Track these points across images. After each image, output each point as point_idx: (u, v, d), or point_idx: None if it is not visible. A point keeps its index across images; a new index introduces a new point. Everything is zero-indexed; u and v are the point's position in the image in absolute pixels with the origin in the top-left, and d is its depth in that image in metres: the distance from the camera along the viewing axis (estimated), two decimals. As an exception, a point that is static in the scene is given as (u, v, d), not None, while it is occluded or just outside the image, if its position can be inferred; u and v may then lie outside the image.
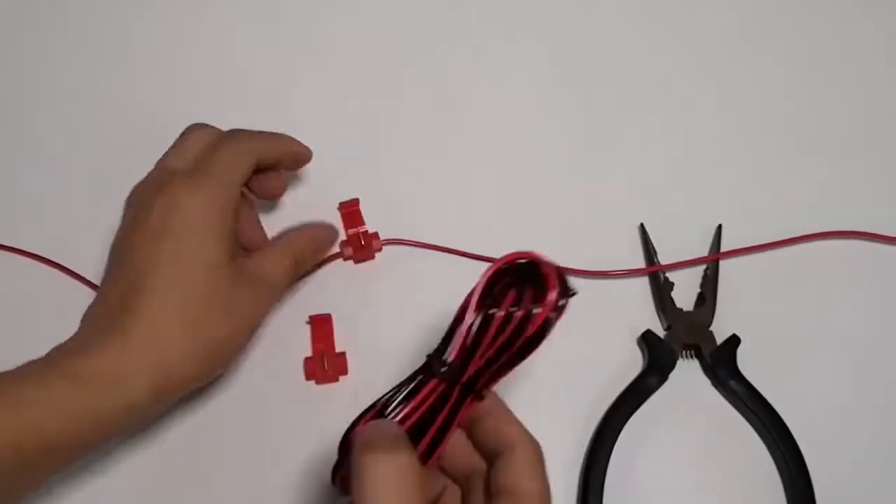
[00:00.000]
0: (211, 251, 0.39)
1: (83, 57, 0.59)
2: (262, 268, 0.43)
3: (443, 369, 0.32)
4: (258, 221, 0.49)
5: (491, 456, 0.35)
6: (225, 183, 0.41)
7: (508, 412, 0.35)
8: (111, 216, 0.54)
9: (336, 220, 0.52)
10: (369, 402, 0.34)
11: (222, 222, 0.40)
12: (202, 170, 0.42)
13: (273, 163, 0.46)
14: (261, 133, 0.46)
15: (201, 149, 0.43)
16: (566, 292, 0.31)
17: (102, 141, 0.56)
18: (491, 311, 0.31)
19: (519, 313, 0.31)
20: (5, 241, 0.53)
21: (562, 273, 0.31)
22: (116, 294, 0.39)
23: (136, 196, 0.43)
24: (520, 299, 0.31)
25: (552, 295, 0.30)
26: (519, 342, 0.31)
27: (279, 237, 0.47)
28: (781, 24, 0.60)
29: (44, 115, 0.57)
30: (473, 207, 0.54)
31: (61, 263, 0.52)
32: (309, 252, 0.47)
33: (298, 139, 0.48)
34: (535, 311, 0.31)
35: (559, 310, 0.30)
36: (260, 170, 0.45)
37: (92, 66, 0.59)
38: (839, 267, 0.52)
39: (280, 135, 0.47)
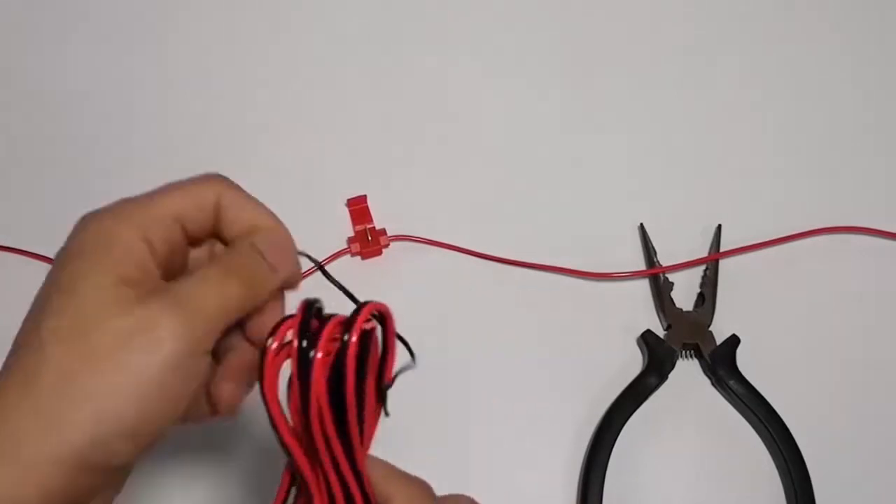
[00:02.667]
0: (101, 271, 0.29)
1: (83, 57, 0.59)
2: (188, 291, 0.29)
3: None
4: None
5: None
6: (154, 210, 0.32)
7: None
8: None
9: (344, 216, 0.53)
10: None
11: (132, 241, 0.31)
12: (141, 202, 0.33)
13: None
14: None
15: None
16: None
17: (103, 141, 0.56)
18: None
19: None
20: (7, 242, 0.53)
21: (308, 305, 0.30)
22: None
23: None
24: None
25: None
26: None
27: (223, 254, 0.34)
28: (781, 25, 0.60)
29: (45, 115, 0.57)
30: (479, 205, 0.54)
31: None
32: (263, 272, 0.32)
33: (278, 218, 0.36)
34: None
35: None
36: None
37: (91, 67, 0.59)
38: (838, 263, 0.52)
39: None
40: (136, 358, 0.27)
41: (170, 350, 0.27)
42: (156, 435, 0.28)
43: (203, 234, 0.33)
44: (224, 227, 0.33)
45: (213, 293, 0.30)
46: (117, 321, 0.27)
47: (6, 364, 0.29)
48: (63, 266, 0.30)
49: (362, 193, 0.53)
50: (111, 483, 0.29)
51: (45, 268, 0.51)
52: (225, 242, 0.33)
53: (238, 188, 0.34)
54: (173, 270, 0.32)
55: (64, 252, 0.31)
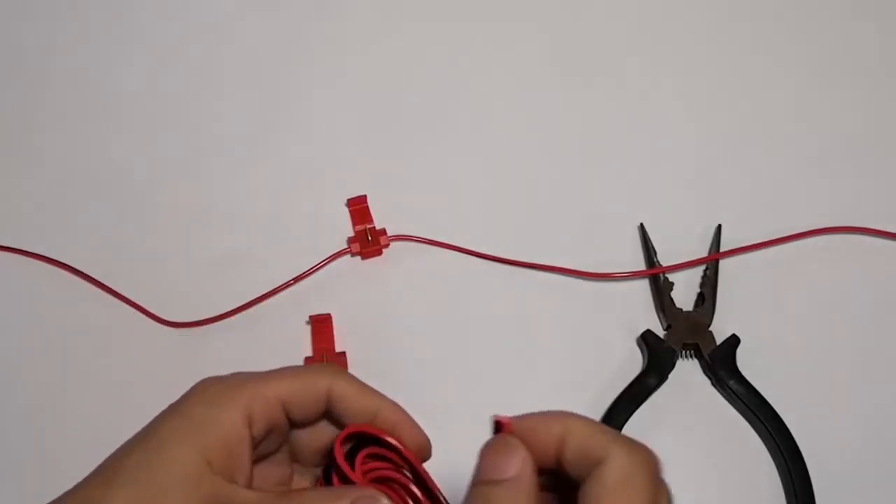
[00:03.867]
0: (192, 444, 0.30)
1: (84, 55, 0.59)
2: None
3: None
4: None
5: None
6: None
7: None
8: (115, 215, 0.54)
9: (344, 216, 0.53)
10: None
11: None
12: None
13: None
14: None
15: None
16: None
17: (104, 141, 0.56)
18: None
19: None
20: (8, 242, 0.53)
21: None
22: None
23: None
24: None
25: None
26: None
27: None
28: (780, 26, 0.60)
29: (46, 115, 0.57)
30: (479, 205, 0.54)
31: (67, 263, 0.52)
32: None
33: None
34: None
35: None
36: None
37: (93, 65, 0.59)
38: (838, 263, 0.52)
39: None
40: None
41: None
42: None
43: (309, 419, 0.33)
44: (341, 415, 0.33)
45: None
46: None
47: (90, 476, 0.30)
48: (164, 417, 0.31)
49: (362, 193, 0.53)
50: None
51: (45, 268, 0.52)
52: (340, 426, 0.33)
53: (352, 378, 0.33)
54: (268, 450, 0.33)
55: (171, 406, 0.32)
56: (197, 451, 0.30)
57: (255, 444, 0.31)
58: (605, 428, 0.29)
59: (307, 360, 0.49)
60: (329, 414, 0.33)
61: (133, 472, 0.29)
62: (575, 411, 0.30)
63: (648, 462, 0.28)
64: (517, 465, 0.28)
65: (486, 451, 0.29)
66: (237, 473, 0.31)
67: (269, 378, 0.32)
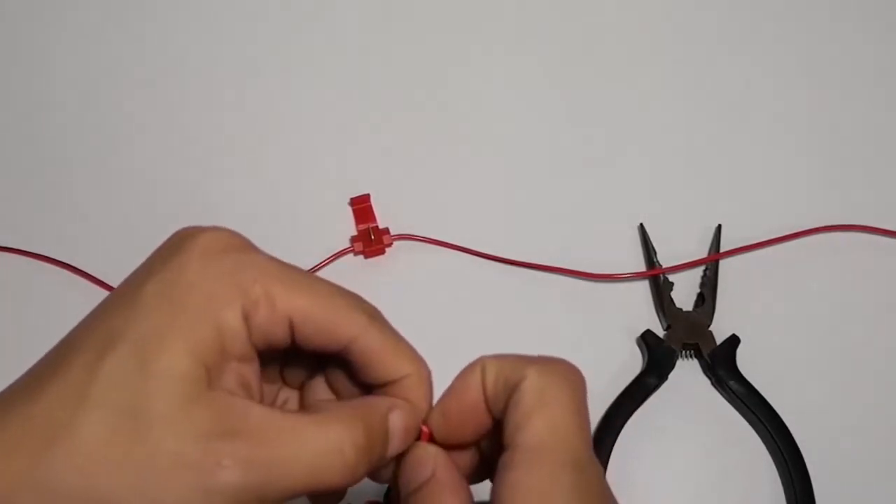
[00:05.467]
0: (181, 348, 0.24)
1: (84, 54, 0.59)
2: (276, 436, 0.24)
3: None
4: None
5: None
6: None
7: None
8: (117, 215, 0.54)
9: (347, 215, 0.53)
10: None
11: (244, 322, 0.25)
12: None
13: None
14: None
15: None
16: None
17: (105, 141, 0.56)
18: None
19: None
20: (8, 243, 0.53)
21: None
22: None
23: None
24: None
25: None
26: None
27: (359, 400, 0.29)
28: (779, 24, 0.60)
29: (46, 115, 0.57)
30: (481, 205, 0.54)
31: (68, 262, 0.52)
32: (402, 431, 0.27)
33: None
34: None
35: None
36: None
37: (93, 64, 0.59)
38: (838, 262, 0.52)
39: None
40: (167, 500, 0.22)
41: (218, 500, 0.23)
42: None
43: (315, 350, 0.27)
44: (357, 367, 0.28)
45: (308, 453, 0.24)
46: (171, 442, 0.22)
47: (49, 366, 0.24)
48: (151, 301, 0.24)
49: (366, 192, 0.53)
50: None
51: (44, 268, 0.52)
52: (362, 384, 0.28)
53: (385, 330, 0.28)
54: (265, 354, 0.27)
55: (161, 274, 0.25)
56: (191, 358, 0.24)
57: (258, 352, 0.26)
58: (520, 355, 0.27)
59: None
60: (342, 354, 0.27)
61: (109, 390, 0.23)
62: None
63: (565, 375, 0.27)
64: (429, 465, 0.27)
65: (402, 467, 0.28)
66: (244, 382, 0.25)
67: (290, 283, 0.26)
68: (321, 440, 0.24)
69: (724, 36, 0.60)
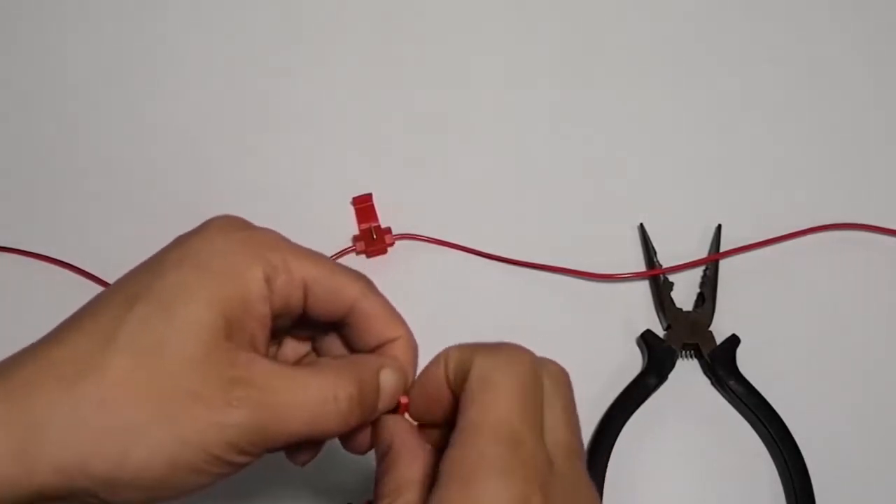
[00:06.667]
0: (206, 299, 0.27)
1: (84, 55, 0.59)
2: (280, 384, 0.27)
3: None
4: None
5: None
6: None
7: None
8: (118, 214, 0.54)
9: (349, 214, 0.53)
10: None
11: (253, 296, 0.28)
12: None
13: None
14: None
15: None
16: None
17: (106, 141, 0.56)
18: None
19: None
20: (8, 243, 0.53)
21: None
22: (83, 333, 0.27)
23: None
24: None
25: None
26: None
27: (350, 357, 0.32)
28: (777, 24, 0.60)
29: (46, 114, 0.57)
30: (482, 205, 0.54)
31: (68, 262, 0.52)
32: (391, 386, 0.30)
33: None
34: None
35: None
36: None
37: (93, 64, 0.59)
38: (839, 261, 0.52)
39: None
40: (184, 430, 0.25)
41: (223, 440, 0.26)
42: (173, 495, 0.27)
43: (322, 317, 0.31)
44: (354, 329, 0.31)
45: (307, 401, 0.27)
46: (190, 381, 0.25)
47: (74, 321, 0.27)
48: (175, 264, 0.27)
49: (368, 192, 0.53)
50: None
51: (45, 268, 0.52)
52: (349, 346, 0.32)
53: (380, 299, 0.32)
54: (276, 332, 0.30)
55: (182, 245, 0.28)
56: (214, 310, 0.26)
57: (274, 314, 0.29)
58: (476, 344, 0.28)
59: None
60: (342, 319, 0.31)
61: (135, 334, 0.25)
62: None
63: (508, 360, 0.27)
64: (389, 433, 0.29)
65: (374, 438, 0.30)
66: (256, 341, 0.28)
67: (301, 254, 0.30)
68: (319, 389, 0.28)
69: (724, 36, 0.60)
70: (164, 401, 0.25)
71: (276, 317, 0.29)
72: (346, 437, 0.31)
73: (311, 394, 0.27)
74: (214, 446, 0.25)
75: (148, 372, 0.25)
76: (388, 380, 0.30)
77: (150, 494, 0.26)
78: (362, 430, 0.31)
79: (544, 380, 0.28)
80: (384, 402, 0.30)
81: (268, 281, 0.28)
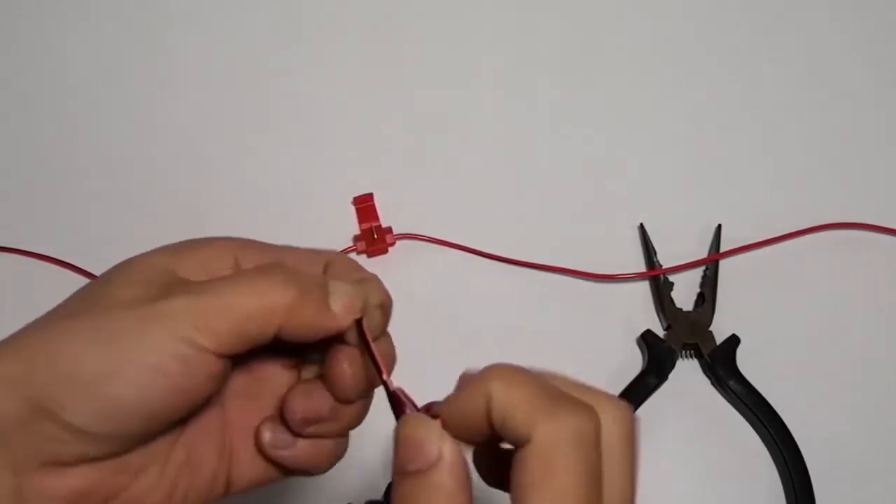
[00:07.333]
0: (152, 263, 0.29)
1: (84, 55, 0.59)
2: (222, 287, 0.28)
3: None
4: None
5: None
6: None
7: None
8: (118, 214, 0.54)
9: (350, 214, 0.53)
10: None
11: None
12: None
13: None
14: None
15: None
16: None
17: (106, 141, 0.56)
18: None
19: None
20: (8, 243, 0.53)
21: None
22: None
23: None
24: None
25: None
26: None
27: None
28: (777, 24, 0.60)
29: (46, 114, 0.57)
30: (483, 205, 0.54)
31: (72, 263, 0.52)
32: (318, 296, 0.29)
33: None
34: None
35: None
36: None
37: (93, 64, 0.59)
38: (838, 260, 0.52)
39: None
40: (142, 344, 0.26)
41: (179, 340, 0.26)
42: (155, 425, 0.27)
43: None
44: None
45: (250, 293, 0.27)
46: (137, 310, 0.27)
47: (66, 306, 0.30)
48: (115, 269, 0.30)
49: (369, 192, 0.53)
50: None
51: (45, 267, 0.52)
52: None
53: (353, 261, 0.32)
54: None
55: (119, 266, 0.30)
56: (175, 263, 0.29)
57: None
58: (529, 392, 0.25)
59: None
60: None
61: (93, 297, 0.28)
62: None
63: (576, 434, 0.24)
64: (434, 444, 0.25)
65: (400, 439, 0.25)
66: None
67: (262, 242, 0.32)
68: (257, 274, 0.28)
69: (724, 36, 0.60)
70: (119, 338, 0.26)
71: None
72: (331, 372, 0.30)
73: (250, 278, 0.28)
74: (169, 340, 0.26)
75: (99, 321, 0.27)
76: (336, 284, 0.29)
77: (119, 412, 0.26)
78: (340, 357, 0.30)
79: (611, 426, 0.25)
80: (337, 302, 0.29)
81: (235, 251, 0.31)
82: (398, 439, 0.25)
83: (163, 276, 0.29)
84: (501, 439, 0.25)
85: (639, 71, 0.59)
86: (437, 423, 0.26)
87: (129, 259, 0.30)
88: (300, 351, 0.32)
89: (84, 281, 0.51)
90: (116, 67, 0.59)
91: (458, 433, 0.26)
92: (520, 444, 0.24)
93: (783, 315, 0.51)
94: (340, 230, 0.53)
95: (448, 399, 0.27)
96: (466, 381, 0.26)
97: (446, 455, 0.24)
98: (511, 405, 0.25)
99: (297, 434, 0.31)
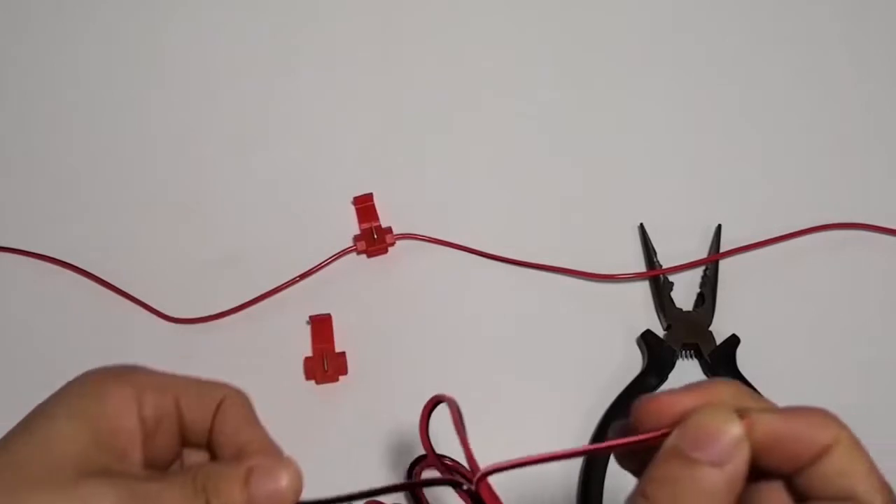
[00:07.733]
0: (81, 420, 0.28)
1: (84, 56, 0.59)
2: (148, 490, 0.27)
3: None
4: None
5: None
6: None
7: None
8: (119, 214, 0.54)
9: (350, 213, 0.53)
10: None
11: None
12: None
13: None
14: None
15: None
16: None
17: (107, 140, 0.56)
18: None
19: None
20: (8, 243, 0.53)
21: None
22: None
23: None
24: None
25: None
26: None
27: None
28: (778, 24, 0.60)
29: (46, 114, 0.57)
30: (483, 205, 0.54)
31: (69, 262, 0.52)
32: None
33: None
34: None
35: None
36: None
37: (93, 64, 0.59)
38: (839, 261, 0.52)
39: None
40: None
41: None
42: None
43: (199, 436, 0.30)
44: (217, 437, 0.30)
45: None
46: (59, 493, 0.25)
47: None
48: (50, 402, 0.29)
49: (369, 191, 0.53)
50: None
51: (45, 267, 0.52)
52: (213, 454, 0.30)
53: (247, 403, 0.31)
54: (161, 456, 0.30)
55: (56, 393, 0.29)
56: (86, 429, 0.27)
57: (148, 431, 0.29)
58: (872, 466, 0.25)
59: (307, 359, 0.49)
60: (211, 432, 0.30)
61: (16, 454, 0.26)
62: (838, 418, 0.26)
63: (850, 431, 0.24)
64: (733, 447, 0.23)
65: (703, 421, 0.24)
66: (128, 454, 0.28)
67: (161, 373, 0.30)
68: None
69: (724, 36, 0.60)
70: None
71: (152, 433, 0.29)
72: None
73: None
74: None
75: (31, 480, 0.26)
76: (260, 484, 0.28)
77: None
78: None
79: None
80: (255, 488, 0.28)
81: (138, 403, 0.28)
82: (696, 420, 0.24)
83: (77, 459, 0.27)
84: (773, 473, 0.25)
85: (639, 71, 0.59)
86: (742, 425, 0.24)
87: (92, 381, 0.29)
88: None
89: (84, 280, 0.51)
90: (116, 67, 0.59)
91: (759, 446, 0.24)
92: (838, 496, 0.24)
93: (783, 315, 0.51)
94: (340, 230, 0.53)
95: (772, 410, 0.26)
96: (804, 410, 0.26)
97: (736, 461, 0.23)
98: (856, 469, 0.25)
99: None
